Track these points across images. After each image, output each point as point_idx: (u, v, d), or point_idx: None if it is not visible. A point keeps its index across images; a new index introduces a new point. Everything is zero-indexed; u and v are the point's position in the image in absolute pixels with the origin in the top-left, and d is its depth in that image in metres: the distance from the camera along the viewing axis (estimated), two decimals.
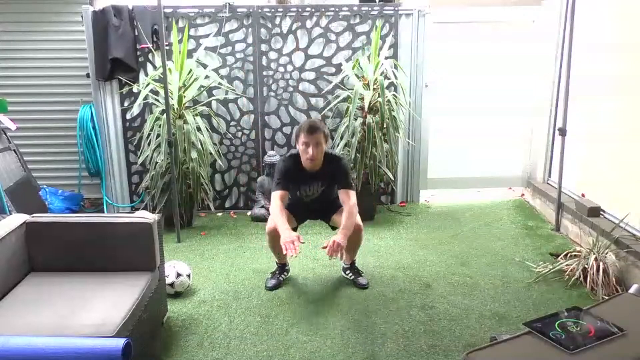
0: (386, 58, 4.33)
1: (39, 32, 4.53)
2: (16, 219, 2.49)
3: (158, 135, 4.09)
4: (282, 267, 3.30)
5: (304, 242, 2.79)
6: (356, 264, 3.31)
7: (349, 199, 2.95)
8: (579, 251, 3.34)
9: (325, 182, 3.08)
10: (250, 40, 4.42)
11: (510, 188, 5.11)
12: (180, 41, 4.08)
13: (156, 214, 2.94)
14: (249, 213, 4.58)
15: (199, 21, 4.38)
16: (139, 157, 4.29)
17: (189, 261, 3.44)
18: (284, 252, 2.72)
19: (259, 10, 4.37)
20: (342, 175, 3.02)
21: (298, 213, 3.20)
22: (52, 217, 2.65)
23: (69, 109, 4.62)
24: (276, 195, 2.98)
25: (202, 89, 4.33)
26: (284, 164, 3.05)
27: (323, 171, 3.02)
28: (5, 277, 2.30)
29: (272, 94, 4.54)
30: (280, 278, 3.26)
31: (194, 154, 4.10)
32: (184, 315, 2.88)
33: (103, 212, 4.58)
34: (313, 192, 3.12)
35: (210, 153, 4.27)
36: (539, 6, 4.58)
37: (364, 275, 3.28)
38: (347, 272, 3.30)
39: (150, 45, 4.30)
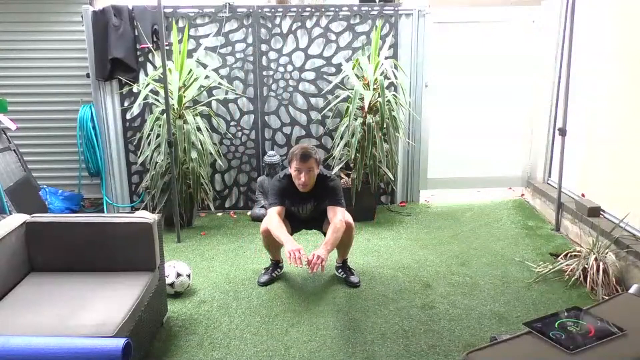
0: (386, 58, 4.33)
1: (39, 32, 4.53)
2: (16, 219, 2.49)
3: (158, 135, 4.09)
4: (276, 263, 3.35)
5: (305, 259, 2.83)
6: (349, 263, 3.34)
7: (335, 215, 3.02)
8: (579, 251, 3.34)
9: (317, 201, 3.16)
10: (250, 40, 4.42)
11: (510, 188, 5.11)
12: (180, 41, 4.08)
13: (156, 214, 2.94)
14: (249, 213, 4.58)
15: (199, 21, 4.38)
16: (139, 157, 4.29)
17: (189, 261, 3.45)
18: (289, 263, 2.80)
19: (259, 10, 4.37)
20: (330, 194, 3.10)
21: (292, 223, 3.25)
22: (52, 217, 2.65)
23: (69, 109, 4.62)
24: (274, 211, 3.07)
25: (202, 89, 4.33)
26: (279, 184, 3.14)
27: (314, 192, 3.11)
28: (5, 277, 2.30)
29: (272, 94, 4.54)
30: (274, 274, 3.31)
31: (194, 154, 4.10)
32: (184, 315, 2.88)
33: (103, 212, 4.58)
34: (305, 212, 3.21)
35: (210, 153, 4.27)
36: (539, 6, 4.58)
37: (356, 274, 3.30)
38: (339, 270, 3.33)
39: (150, 45, 4.30)
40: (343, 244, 3.16)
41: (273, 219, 3.03)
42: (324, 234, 3.27)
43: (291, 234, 3.13)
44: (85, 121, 4.42)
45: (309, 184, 3.04)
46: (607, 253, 3.12)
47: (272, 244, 3.16)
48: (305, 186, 3.03)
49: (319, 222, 3.25)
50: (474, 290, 3.15)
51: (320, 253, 2.80)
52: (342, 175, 4.44)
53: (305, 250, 3.78)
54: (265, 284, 3.23)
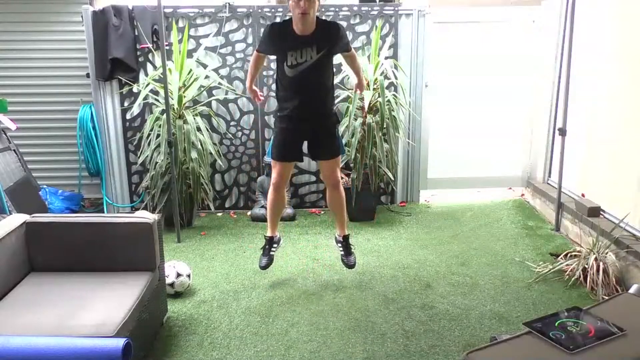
0: (386, 58, 4.33)
1: (39, 32, 4.53)
2: (16, 219, 2.49)
3: (158, 135, 4.09)
4: (271, 240, 3.26)
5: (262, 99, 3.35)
6: (351, 242, 3.29)
7: (355, 60, 3.14)
8: (579, 251, 3.34)
9: (321, 47, 2.83)
10: (250, 40, 4.42)
11: (510, 188, 5.11)
12: (180, 41, 4.08)
13: (156, 214, 2.94)
14: (249, 213, 4.58)
15: (199, 21, 4.38)
16: (139, 157, 4.29)
17: (189, 261, 3.44)
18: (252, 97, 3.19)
19: (259, 10, 4.37)
20: (341, 39, 2.91)
21: (289, 126, 3.00)
22: (52, 217, 2.66)
23: (69, 109, 4.62)
24: (254, 54, 3.12)
25: (202, 89, 4.33)
26: (272, 27, 2.91)
27: (316, 36, 2.82)
28: (5, 277, 2.30)
29: (272, 94, 4.54)
30: (272, 252, 3.24)
31: (194, 154, 4.10)
32: (184, 315, 2.88)
33: (103, 212, 4.58)
34: (306, 58, 2.83)
35: (210, 153, 4.27)
36: (539, 6, 4.58)
37: (354, 254, 3.26)
38: (339, 245, 3.30)
39: (150, 45, 4.30)
40: (335, 210, 3.20)
41: (252, 60, 3.13)
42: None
43: (294, 160, 3.12)
44: (85, 121, 4.42)
45: (310, 15, 2.73)
46: (607, 253, 3.12)
47: (277, 207, 3.16)
48: (305, 14, 2.71)
49: (320, 100, 2.99)
50: (474, 290, 3.15)
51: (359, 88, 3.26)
52: (342, 176, 4.44)
53: (304, 249, 3.79)
54: (266, 267, 3.20)
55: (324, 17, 3.01)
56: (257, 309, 2.95)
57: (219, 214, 4.65)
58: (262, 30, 3.09)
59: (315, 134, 3.03)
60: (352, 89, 4.17)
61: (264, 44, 2.99)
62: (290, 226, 4.25)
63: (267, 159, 4.43)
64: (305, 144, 3.12)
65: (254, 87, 3.25)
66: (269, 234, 3.27)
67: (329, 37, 2.86)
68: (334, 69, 4.45)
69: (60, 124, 4.68)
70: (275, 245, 3.28)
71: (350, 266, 3.22)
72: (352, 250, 3.29)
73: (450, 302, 2.99)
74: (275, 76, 3.11)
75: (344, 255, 3.26)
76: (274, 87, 4.48)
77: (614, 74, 3.68)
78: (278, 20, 4.38)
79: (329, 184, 3.16)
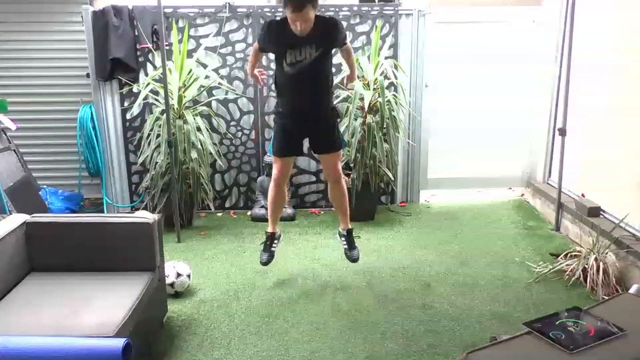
0: (386, 58, 4.33)
1: (39, 32, 4.53)
2: (16, 219, 2.49)
3: (158, 135, 4.09)
4: (272, 236, 3.26)
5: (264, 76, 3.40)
6: (354, 236, 3.30)
7: (350, 54, 3.15)
8: (579, 251, 3.34)
9: (319, 45, 2.82)
10: (250, 40, 4.42)
11: (510, 188, 5.11)
12: (180, 41, 4.08)
13: (156, 214, 2.94)
14: (249, 213, 4.58)
15: (199, 21, 4.38)
16: (139, 157, 4.29)
17: (189, 261, 3.44)
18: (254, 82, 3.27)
19: (259, 10, 4.37)
20: (339, 34, 2.92)
21: (289, 122, 3.05)
22: (52, 217, 2.66)
23: (69, 109, 4.62)
24: (255, 45, 3.18)
25: (202, 89, 4.33)
26: (270, 25, 2.90)
27: (315, 33, 2.78)
28: (5, 277, 2.30)
29: (272, 94, 4.54)
30: (272, 248, 3.24)
31: (194, 154, 4.10)
32: (184, 315, 2.88)
33: (103, 212, 4.58)
34: (305, 56, 2.82)
35: (210, 153, 4.27)
36: (539, 6, 4.58)
37: (358, 249, 3.26)
38: (342, 239, 3.30)
39: (150, 45, 4.30)
40: (338, 204, 3.22)
41: (252, 50, 3.22)
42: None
43: (294, 154, 3.19)
44: (85, 121, 4.42)
45: (307, 28, 2.75)
46: (607, 253, 3.12)
47: (278, 202, 3.18)
48: (303, 32, 2.75)
49: (320, 96, 2.99)
50: (474, 290, 3.15)
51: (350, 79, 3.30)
52: (343, 176, 4.43)
53: (304, 250, 3.79)
54: (266, 263, 3.20)
55: (321, 15, 2.98)
56: (257, 309, 2.95)
57: (219, 214, 4.65)
58: (261, 26, 3.09)
59: (315, 129, 3.05)
60: (352, 89, 4.18)
61: (263, 40, 3.00)
62: (290, 226, 4.25)
63: (268, 158, 4.43)
64: (306, 139, 3.16)
65: (255, 72, 3.34)
66: (269, 230, 3.27)
67: (327, 34, 2.86)
68: (334, 69, 4.48)
69: (60, 124, 4.68)
70: (276, 242, 3.28)
71: (354, 260, 3.22)
72: (355, 244, 3.29)
73: (450, 302, 2.99)
74: (274, 73, 3.12)
75: (347, 249, 3.26)
76: (274, 86, 4.51)
77: (614, 74, 3.68)
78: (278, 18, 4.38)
79: (330, 178, 3.17)
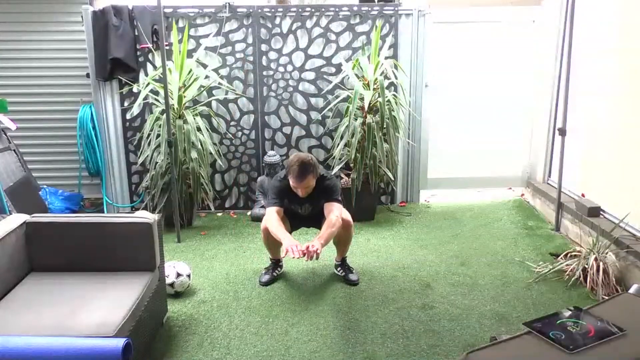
0: (386, 58, 4.33)
1: (39, 32, 4.53)
2: (16, 219, 2.49)
3: (158, 135, 4.09)
4: (276, 262, 3.35)
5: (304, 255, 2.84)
6: (348, 262, 3.36)
7: (331, 212, 3.01)
8: (579, 251, 3.34)
9: (315, 201, 3.15)
10: (250, 40, 4.42)
11: (510, 188, 5.11)
12: (180, 41, 4.08)
13: (156, 214, 2.94)
14: (249, 213, 4.58)
15: (199, 21, 4.38)
16: (139, 157, 4.29)
17: (189, 261, 3.45)
18: (292, 256, 2.79)
19: (259, 10, 4.37)
20: (328, 193, 3.09)
21: (292, 222, 3.27)
22: (52, 217, 2.65)
23: (69, 109, 4.62)
24: (273, 211, 3.08)
25: (202, 89, 4.33)
26: (279, 185, 3.12)
27: (314, 194, 3.09)
28: (5, 277, 2.30)
29: (272, 93, 4.54)
30: (274, 273, 3.32)
31: (194, 154, 4.10)
32: (184, 315, 2.88)
33: (103, 212, 4.58)
34: (305, 210, 3.22)
35: (210, 153, 4.27)
36: (539, 6, 4.59)
37: (355, 272, 3.31)
38: (339, 268, 3.35)
39: (150, 45, 4.30)
40: (342, 242, 3.23)
41: (272, 218, 3.03)
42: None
43: (290, 233, 3.14)
44: (85, 121, 4.42)
45: (307, 194, 3.06)
46: (607, 253, 3.12)
47: (272, 243, 3.17)
48: (303, 195, 3.06)
49: (318, 221, 3.24)
50: (474, 290, 3.15)
51: (315, 244, 2.83)
52: (342, 175, 4.44)
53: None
54: (266, 284, 3.24)
55: (322, 173, 3.12)
56: (257, 309, 2.95)
57: (219, 214, 4.65)
58: (270, 185, 3.23)
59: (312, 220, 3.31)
60: (352, 89, 4.19)
61: (278, 198, 3.11)
62: None
63: (268, 158, 4.43)
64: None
65: (301, 247, 2.84)
66: (272, 257, 3.34)
67: (324, 193, 3.09)
68: (334, 69, 4.48)
69: (60, 124, 4.68)
70: (279, 269, 3.36)
71: (354, 283, 3.23)
72: (352, 269, 3.33)
73: (450, 302, 2.99)
74: None
75: (345, 275, 3.29)
76: (274, 87, 4.51)
77: (614, 74, 3.68)
78: (278, 19, 4.39)
79: (341, 227, 3.09)
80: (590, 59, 3.91)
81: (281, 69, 4.48)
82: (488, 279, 3.28)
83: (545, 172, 4.67)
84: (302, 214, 3.24)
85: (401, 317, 2.83)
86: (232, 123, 4.56)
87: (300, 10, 4.40)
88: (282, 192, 3.11)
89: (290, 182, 2.99)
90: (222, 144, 4.58)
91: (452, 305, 2.96)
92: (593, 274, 3.04)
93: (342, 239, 3.19)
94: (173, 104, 4.04)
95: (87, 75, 4.42)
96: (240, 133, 4.59)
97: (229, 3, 4.32)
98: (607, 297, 2.65)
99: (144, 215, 2.54)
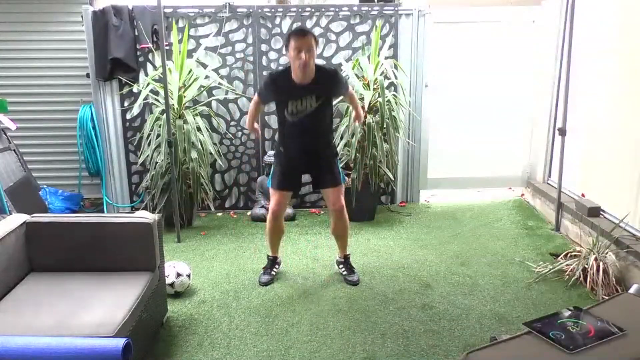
0: (386, 58, 4.33)
1: (39, 32, 4.53)
2: (16, 219, 2.49)
3: (158, 135, 4.09)
4: (274, 260, 3.34)
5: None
6: (351, 261, 3.34)
7: (353, 98, 3.24)
8: (579, 251, 3.34)
9: (321, 95, 2.92)
10: (250, 40, 4.42)
11: (510, 188, 5.11)
12: (180, 41, 4.08)
13: (156, 214, 2.94)
14: (249, 213, 4.58)
15: (199, 21, 4.38)
16: (139, 157, 4.29)
17: (189, 261, 3.44)
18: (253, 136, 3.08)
19: (259, 10, 4.37)
20: (341, 84, 3.05)
21: (290, 163, 3.10)
22: (52, 217, 2.65)
23: (69, 109, 4.62)
24: (255, 97, 3.16)
25: (202, 89, 4.33)
26: (271, 76, 3.03)
27: (316, 83, 2.89)
28: (5, 277, 2.30)
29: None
30: (273, 272, 3.31)
31: (194, 154, 4.10)
32: (184, 315, 2.88)
33: (103, 212, 4.58)
34: (306, 106, 2.92)
35: (210, 153, 4.27)
36: (539, 6, 4.59)
37: (357, 273, 3.31)
38: (341, 266, 3.34)
39: (150, 45, 4.30)
40: (340, 233, 3.25)
41: (252, 103, 3.18)
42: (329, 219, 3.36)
43: (296, 189, 3.31)
44: (85, 121, 4.42)
45: (310, 65, 2.82)
46: (607, 253, 3.12)
47: (276, 231, 3.21)
48: (306, 66, 2.79)
49: (319, 163, 3.08)
50: (474, 290, 3.15)
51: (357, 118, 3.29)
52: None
53: (304, 249, 3.79)
54: (266, 284, 3.23)
55: (322, 64, 3.12)
56: (257, 309, 2.95)
57: (219, 214, 4.65)
58: (263, 79, 3.21)
59: (317, 168, 3.14)
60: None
61: (264, 94, 3.08)
62: (290, 226, 4.24)
63: (268, 158, 4.43)
64: (305, 176, 3.31)
65: (256, 125, 3.30)
66: (270, 254, 3.34)
67: (328, 84, 2.97)
68: (335, 68, 4.47)
69: (60, 124, 4.68)
70: (277, 267, 3.36)
71: (355, 283, 3.23)
72: (354, 269, 3.32)
73: (450, 302, 2.99)
74: (277, 116, 3.14)
75: (346, 274, 3.29)
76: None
77: (614, 74, 3.68)
78: (278, 19, 4.39)
79: (334, 210, 3.14)
80: (590, 59, 3.91)
81: (281, 69, 4.48)
82: (488, 279, 3.28)
83: (545, 172, 4.67)
84: (302, 113, 2.91)
85: (401, 317, 2.83)
86: (232, 123, 4.56)
87: (300, 10, 4.40)
88: (275, 85, 2.96)
89: (292, 45, 2.78)
90: (222, 144, 4.58)
91: (452, 305, 2.96)
92: (593, 274, 3.03)
93: (339, 227, 3.19)
94: (173, 104, 4.04)
95: (87, 75, 4.42)
96: (240, 133, 4.59)
97: (229, 3, 4.32)
98: (607, 297, 2.65)
99: (143, 215, 2.54)
